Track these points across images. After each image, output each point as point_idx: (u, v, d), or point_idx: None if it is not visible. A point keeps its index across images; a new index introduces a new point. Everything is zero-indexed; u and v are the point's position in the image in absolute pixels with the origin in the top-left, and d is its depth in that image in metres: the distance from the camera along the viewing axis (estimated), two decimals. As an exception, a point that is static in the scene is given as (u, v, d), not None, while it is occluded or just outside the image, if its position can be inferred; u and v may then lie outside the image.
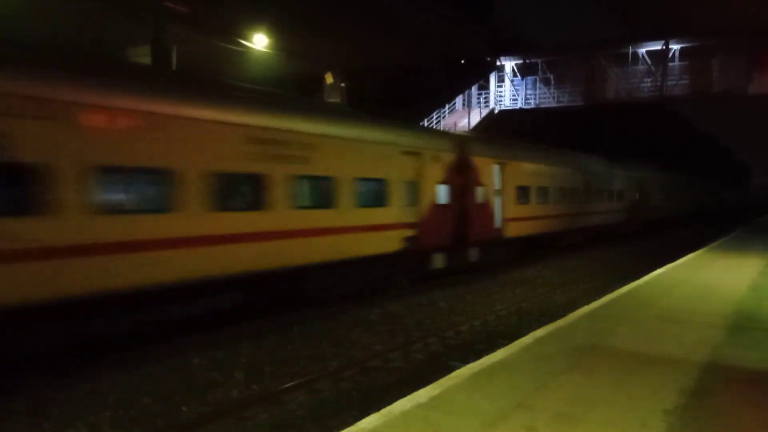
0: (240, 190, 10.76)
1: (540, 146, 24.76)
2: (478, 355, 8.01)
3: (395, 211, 14.35)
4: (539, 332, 8.48)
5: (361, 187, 13.20)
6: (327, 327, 11.49)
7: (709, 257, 18.57)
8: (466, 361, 7.78)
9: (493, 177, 18.92)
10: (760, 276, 14.27)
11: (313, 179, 12.08)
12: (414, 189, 15.02)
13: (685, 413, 5.29)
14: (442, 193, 16.24)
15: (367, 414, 5.39)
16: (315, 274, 12.32)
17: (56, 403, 7.38)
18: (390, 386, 8.32)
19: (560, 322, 9.16)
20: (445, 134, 20.14)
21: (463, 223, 17.10)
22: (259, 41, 20.03)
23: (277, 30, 19.82)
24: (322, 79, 25.21)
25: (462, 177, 17.06)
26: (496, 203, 19.13)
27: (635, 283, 13.46)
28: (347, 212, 12.80)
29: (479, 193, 18.02)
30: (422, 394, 5.72)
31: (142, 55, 19.37)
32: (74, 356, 8.74)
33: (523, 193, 20.86)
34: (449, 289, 15.65)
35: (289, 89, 24.49)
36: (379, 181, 13.87)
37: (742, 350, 7.51)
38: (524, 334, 8.57)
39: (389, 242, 14.18)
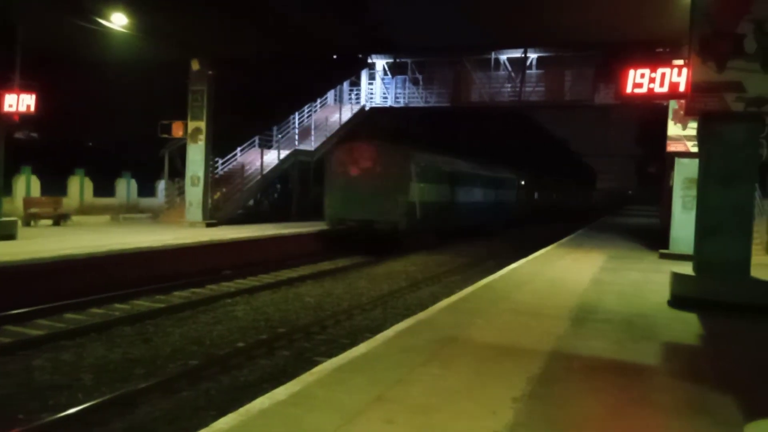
0: None
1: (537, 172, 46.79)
2: (342, 349, 8.04)
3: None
4: (401, 325, 8.67)
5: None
6: (188, 324, 11.05)
7: (558, 252, 20.02)
8: (330, 356, 7.79)
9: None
10: (600, 271, 15.60)
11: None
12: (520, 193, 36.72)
13: (530, 400, 5.64)
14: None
15: (226, 414, 5.22)
16: None
17: None
18: (252, 384, 8.15)
19: (421, 315, 9.42)
20: (527, 172, 39.92)
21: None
22: (118, 20, 18.70)
23: (138, 10, 18.61)
24: (189, 66, 24.11)
25: (529, 188, 37.13)
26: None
27: (492, 276, 14.18)
28: None
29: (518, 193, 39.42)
30: (282, 392, 5.63)
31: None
32: None
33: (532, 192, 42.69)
34: (317, 283, 15.64)
35: (152, 74, 23.18)
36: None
37: (582, 340, 8.15)
38: (387, 328, 8.73)
39: None
